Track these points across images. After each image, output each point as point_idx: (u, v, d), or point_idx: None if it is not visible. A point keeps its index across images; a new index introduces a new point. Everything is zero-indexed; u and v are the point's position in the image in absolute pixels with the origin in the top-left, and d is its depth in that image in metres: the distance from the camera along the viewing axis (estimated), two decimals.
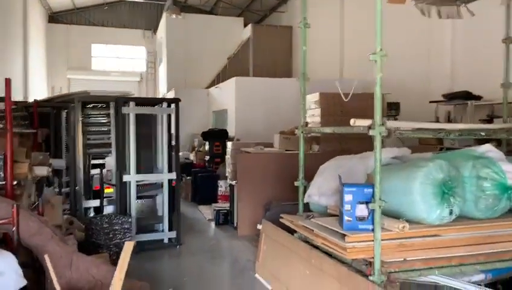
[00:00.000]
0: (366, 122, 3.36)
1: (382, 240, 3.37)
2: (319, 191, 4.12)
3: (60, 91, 19.53)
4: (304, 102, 4.77)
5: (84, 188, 7.33)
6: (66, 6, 20.26)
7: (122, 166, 6.30)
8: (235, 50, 17.70)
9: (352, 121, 3.36)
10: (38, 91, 17.00)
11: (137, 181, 6.41)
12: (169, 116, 6.81)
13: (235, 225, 7.46)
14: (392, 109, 9.72)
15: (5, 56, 13.47)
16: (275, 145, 8.30)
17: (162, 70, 19.57)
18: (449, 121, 9.18)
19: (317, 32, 15.99)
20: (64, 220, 5.38)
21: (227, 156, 8.96)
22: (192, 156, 12.58)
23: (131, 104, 6.31)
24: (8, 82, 4.37)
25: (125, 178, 6.27)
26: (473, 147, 4.07)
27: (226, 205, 8.19)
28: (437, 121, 9.22)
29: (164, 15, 18.00)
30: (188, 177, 10.67)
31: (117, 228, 5.49)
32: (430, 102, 9.27)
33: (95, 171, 7.93)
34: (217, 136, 11.04)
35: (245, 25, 18.73)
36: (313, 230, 3.91)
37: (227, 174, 8.86)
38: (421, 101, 9.69)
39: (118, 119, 6.30)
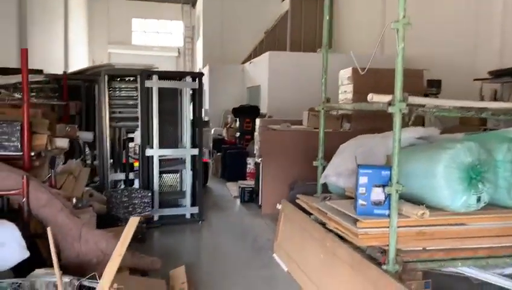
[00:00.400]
0: (386, 97, 3.05)
1: (399, 227, 3.10)
2: (336, 172, 3.86)
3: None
4: (325, 76, 4.47)
5: (116, 161, 7.43)
6: None
7: (145, 140, 6.26)
8: (272, 24, 17.26)
9: (369, 96, 3.06)
10: (79, 64, 17.37)
11: (160, 156, 6.37)
12: (194, 90, 6.66)
13: (260, 203, 7.33)
14: (433, 87, 9.13)
15: (47, 30, 13.77)
16: (303, 122, 8.03)
17: (200, 45, 19.47)
18: (495, 100, 8.52)
19: (358, 4, 15.25)
20: (84, 192, 5.41)
21: (256, 133, 8.79)
22: (224, 133, 12.48)
23: (155, 77, 6.21)
24: (24, 52, 4.34)
25: (148, 152, 6.23)
26: (510, 128, 3.64)
27: (252, 183, 8.05)
28: (482, 100, 8.58)
29: None
30: (219, 154, 10.61)
31: (136, 201, 5.48)
32: (475, 80, 8.62)
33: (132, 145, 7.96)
34: (247, 113, 10.84)
35: None
36: (326, 213, 3.68)
37: (255, 152, 8.71)
38: (465, 78, 9.03)
39: (142, 93, 6.24)
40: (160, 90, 6.40)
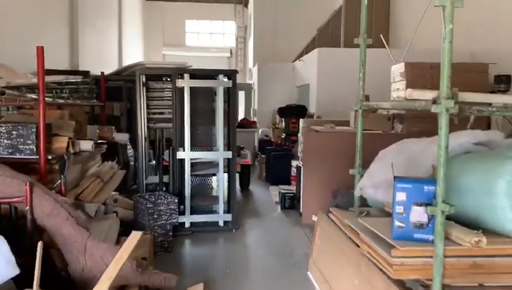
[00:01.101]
0: (429, 94, 2.42)
1: (446, 256, 2.46)
2: (373, 183, 3.25)
3: None
4: (363, 69, 3.86)
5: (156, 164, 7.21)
6: None
7: (177, 142, 5.94)
8: (325, 20, 16.53)
9: (408, 93, 2.45)
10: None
11: (192, 158, 6.02)
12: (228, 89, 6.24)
13: (301, 210, 6.77)
14: (501, 83, 8.08)
15: (100, 32, 14.02)
16: (350, 123, 7.35)
17: (251, 45, 19.15)
18: None
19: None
20: (109, 197, 5.16)
21: (300, 134, 8.23)
22: (271, 133, 12.01)
23: (186, 76, 5.87)
24: (40, 51, 4.12)
25: (179, 155, 5.91)
26: None
27: (294, 188, 7.52)
28: None
29: None
30: (263, 155, 10.15)
31: (162, 208, 5.14)
32: None
33: None
34: (294, 113, 10.27)
35: None
36: (359, 234, 3.08)
37: (298, 154, 8.16)
38: None
39: (174, 92, 5.92)
40: (193, 90, 6.07)
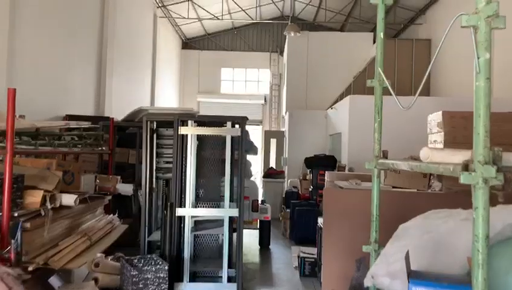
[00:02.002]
0: (458, 155, 1.63)
1: None
2: (388, 270, 2.39)
3: None
4: (379, 119, 3.09)
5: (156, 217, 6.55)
6: (198, 33, 20.97)
7: (176, 197, 5.28)
8: (361, 68, 15.93)
9: (424, 154, 1.67)
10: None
11: (193, 216, 5.33)
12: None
13: (321, 279, 5.83)
14: None
15: (133, 81, 14.04)
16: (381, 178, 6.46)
17: (285, 92, 18.77)
18: None
19: (456, 44, 13.43)
20: (92, 261, 4.49)
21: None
22: (299, 185, 11.18)
23: (190, 123, 5.30)
24: (11, 93, 3.67)
25: (179, 212, 5.23)
26: None
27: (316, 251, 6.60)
28: None
29: (287, 36, 17.23)
30: (288, 210, 9.31)
31: (149, 276, 4.40)
32: None
33: None
34: (322, 164, 9.47)
35: (374, 41, 16.87)
36: None
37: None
38: None
39: (176, 140, 5.34)
40: (201, 138, 5.48)
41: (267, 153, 15.97)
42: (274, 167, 13.46)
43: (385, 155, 3.03)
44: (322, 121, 13.99)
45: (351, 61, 16.60)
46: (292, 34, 15.58)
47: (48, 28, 8.60)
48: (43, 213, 4.17)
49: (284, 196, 11.17)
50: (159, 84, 16.84)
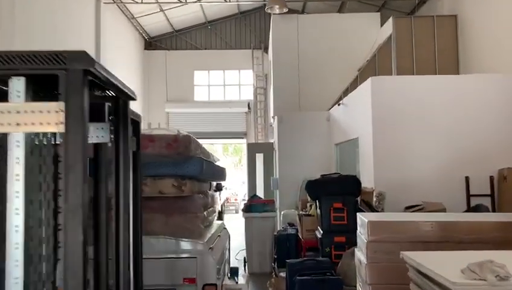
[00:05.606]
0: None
1: None
2: None
3: (159, 128, 16.16)
4: None
5: None
6: (164, 30, 17.31)
7: None
8: (368, 56, 12.27)
9: None
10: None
11: None
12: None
13: None
14: None
15: None
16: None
17: (272, 96, 15.00)
18: None
19: (487, 20, 9.87)
20: None
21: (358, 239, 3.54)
22: (297, 223, 7.26)
23: None
24: None
25: None
26: None
27: None
28: None
29: (271, 21, 13.56)
30: (282, 274, 5.41)
31: None
32: None
33: None
34: (335, 190, 5.56)
35: (382, 24, 13.28)
36: None
37: (359, 282, 3.47)
38: None
39: None
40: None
41: (251, 174, 12.06)
42: (259, 195, 9.46)
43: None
44: (323, 126, 10.21)
45: (354, 49, 12.94)
46: (277, 12, 11.82)
47: None
48: None
49: (275, 241, 7.24)
50: None
